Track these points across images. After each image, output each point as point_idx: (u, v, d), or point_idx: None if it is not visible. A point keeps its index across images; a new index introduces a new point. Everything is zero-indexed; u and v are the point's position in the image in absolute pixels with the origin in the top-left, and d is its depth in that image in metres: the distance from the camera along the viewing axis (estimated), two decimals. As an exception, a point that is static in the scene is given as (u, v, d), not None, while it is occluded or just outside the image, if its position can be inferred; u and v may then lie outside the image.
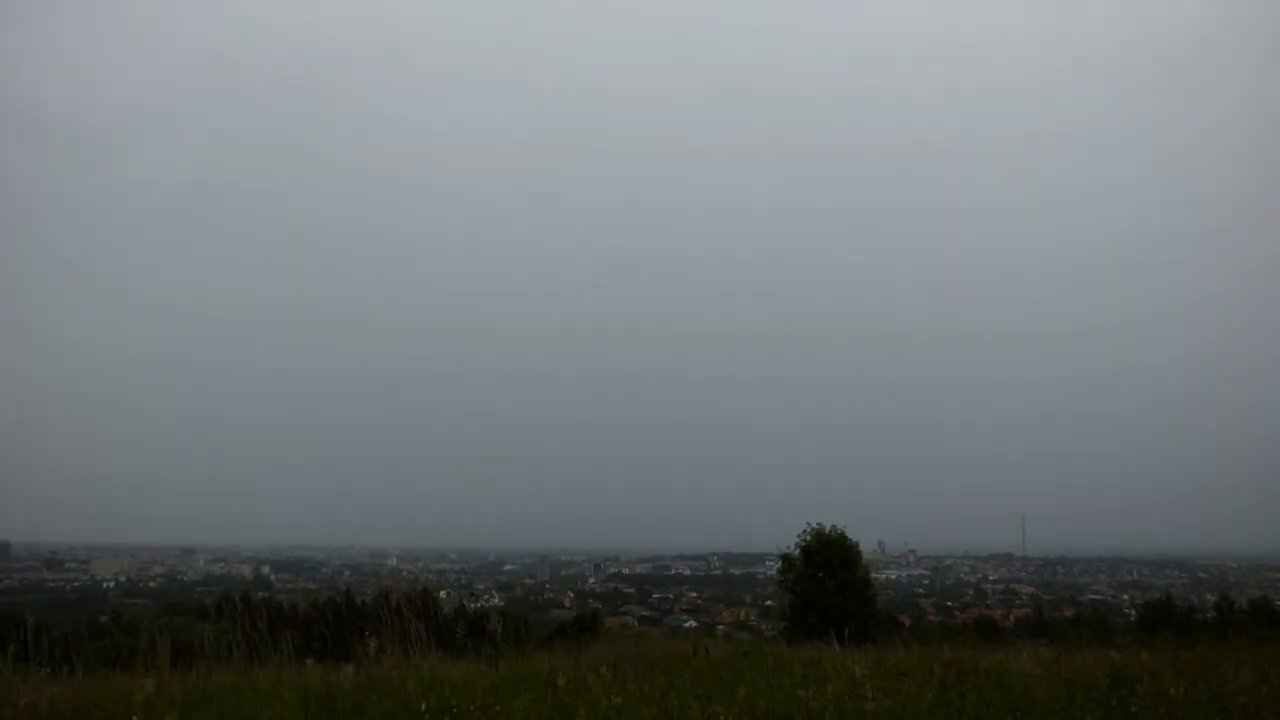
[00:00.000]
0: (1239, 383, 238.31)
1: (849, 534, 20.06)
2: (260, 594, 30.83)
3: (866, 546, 21.45)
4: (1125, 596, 69.29)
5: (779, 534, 22.16)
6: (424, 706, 6.67)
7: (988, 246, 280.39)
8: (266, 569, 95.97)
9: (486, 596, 63.98)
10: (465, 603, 35.69)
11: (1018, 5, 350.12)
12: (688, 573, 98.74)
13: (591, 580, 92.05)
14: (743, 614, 60.08)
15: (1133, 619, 35.94)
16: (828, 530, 19.90)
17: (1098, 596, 72.20)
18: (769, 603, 55.61)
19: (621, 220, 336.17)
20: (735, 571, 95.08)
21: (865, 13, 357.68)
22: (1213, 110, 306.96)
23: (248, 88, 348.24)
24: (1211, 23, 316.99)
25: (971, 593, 78.61)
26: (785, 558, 20.36)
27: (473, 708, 6.64)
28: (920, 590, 79.84)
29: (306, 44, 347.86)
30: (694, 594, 76.30)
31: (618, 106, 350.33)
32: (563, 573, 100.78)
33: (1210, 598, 50.08)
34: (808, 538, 19.84)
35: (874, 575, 22.21)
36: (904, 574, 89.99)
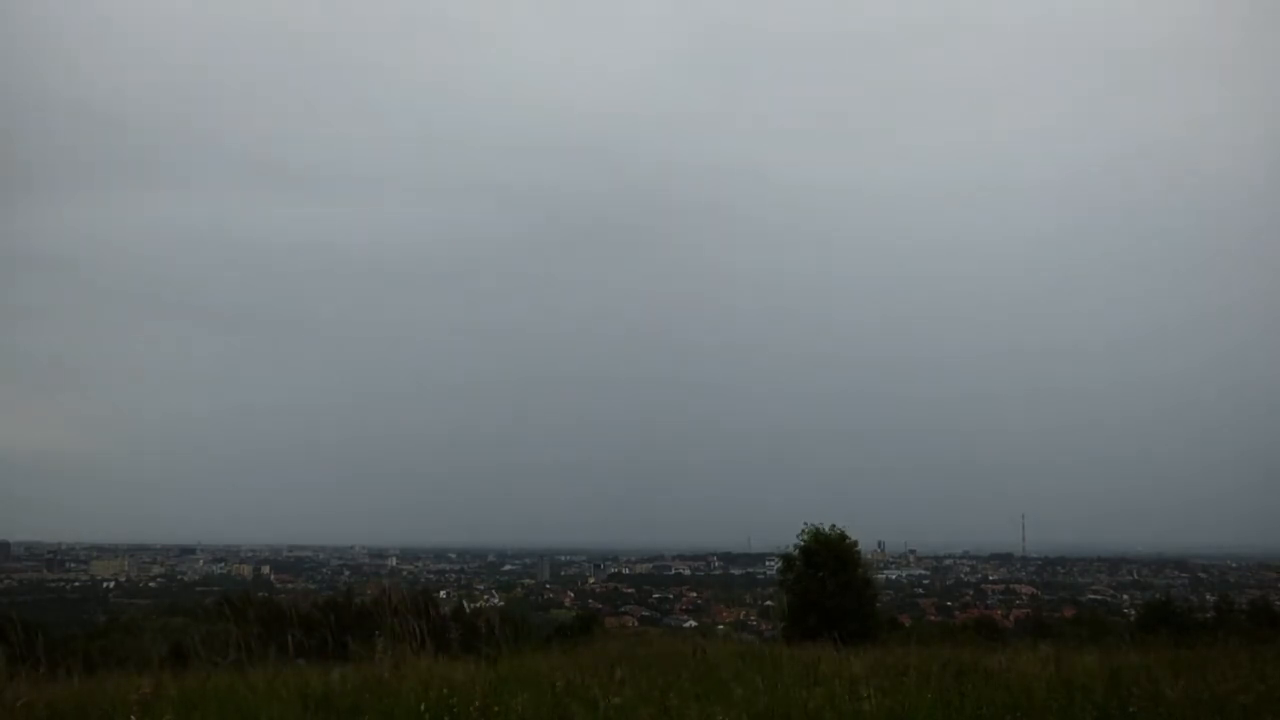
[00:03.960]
0: (1240, 384, 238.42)
1: (848, 534, 20.08)
2: (260, 594, 30.88)
3: (866, 546, 21.49)
4: (1125, 596, 69.27)
5: (779, 534, 22.14)
6: (422, 707, 6.68)
7: (993, 274, 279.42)
8: (266, 569, 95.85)
9: (486, 596, 64.05)
10: (464, 602, 35.80)
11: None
12: (688, 573, 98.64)
13: (591, 580, 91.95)
14: (743, 614, 60.09)
15: (1132, 619, 35.92)
16: (827, 530, 19.92)
17: (1097, 596, 72.19)
18: (769, 603, 55.63)
19: (624, 216, 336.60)
20: (735, 571, 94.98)
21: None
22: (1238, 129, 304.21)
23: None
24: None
25: (971, 593, 78.55)
26: (785, 557, 20.36)
27: (471, 708, 6.64)
28: (920, 590, 79.78)
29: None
30: (694, 594, 76.27)
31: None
32: (563, 573, 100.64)
33: (1210, 598, 50.06)
34: (807, 537, 19.86)
35: (874, 575, 22.22)
36: (904, 574, 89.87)
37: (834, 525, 20.03)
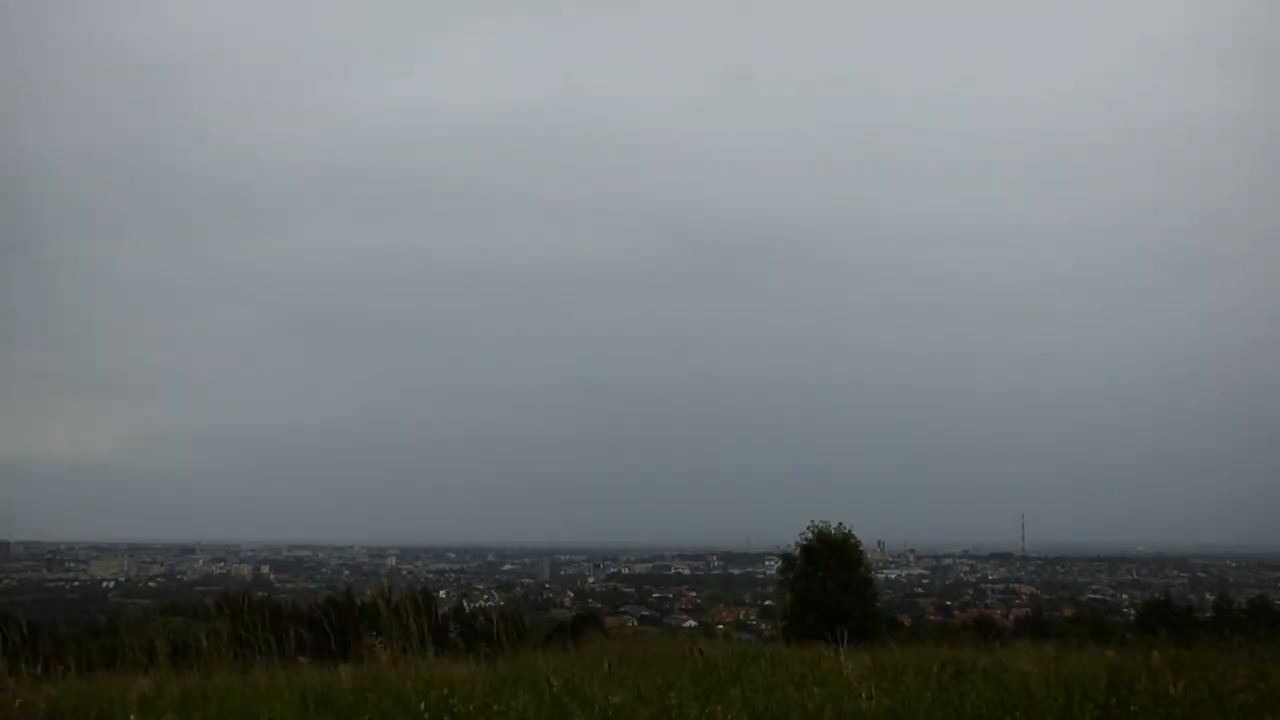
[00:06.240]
0: (1240, 384, 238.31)
1: (853, 533, 20.02)
2: (259, 593, 30.89)
3: (866, 546, 21.40)
4: (1125, 596, 69.30)
5: (779, 534, 22.14)
6: (422, 706, 6.67)
7: (993, 270, 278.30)
8: (266, 568, 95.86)
9: (486, 596, 63.98)
10: (464, 602, 35.77)
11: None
12: (687, 572, 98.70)
13: (591, 580, 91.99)
14: (742, 614, 60.10)
15: (1132, 618, 35.96)
16: (832, 529, 19.83)
17: (1097, 596, 72.21)
18: (768, 602, 55.65)
19: (629, 216, 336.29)
20: (735, 571, 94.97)
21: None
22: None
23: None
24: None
25: (971, 592, 78.57)
26: (786, 556, 20.33)
27: (471, 707, 6.64)
28: (920, 590, 79.79)
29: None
30: (694, 594, 76.27)
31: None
32: (562, 572, 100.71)
33: (1209, 597, 50.11)
34: (810, 536, 19.79)
35: (874, 574, 22.17)
36: (903, 574, 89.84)
37: (840, 524, 19.97)
